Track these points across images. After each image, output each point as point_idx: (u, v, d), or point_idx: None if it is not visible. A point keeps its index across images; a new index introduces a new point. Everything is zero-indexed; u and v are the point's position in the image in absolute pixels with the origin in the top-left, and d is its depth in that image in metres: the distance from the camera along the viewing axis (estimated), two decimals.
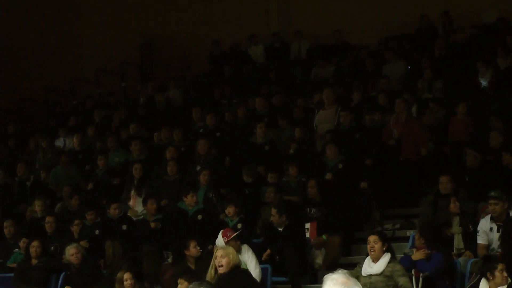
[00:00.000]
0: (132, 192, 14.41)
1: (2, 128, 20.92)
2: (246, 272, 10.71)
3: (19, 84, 22.90)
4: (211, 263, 10.54)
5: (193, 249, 11.56)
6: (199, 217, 13.23)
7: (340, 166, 13.94)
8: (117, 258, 12.25)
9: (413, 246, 11.19)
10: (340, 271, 5.50)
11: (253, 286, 10.61)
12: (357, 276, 10.24)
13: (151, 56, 23.73)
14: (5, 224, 14.07)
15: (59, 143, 18.69)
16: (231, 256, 10.39)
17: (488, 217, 10.94)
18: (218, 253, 10.45)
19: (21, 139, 19.39)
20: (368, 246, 10.33)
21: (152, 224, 13.37)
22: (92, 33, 24.23)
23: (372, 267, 10.26)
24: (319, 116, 15.69)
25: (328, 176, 13.78)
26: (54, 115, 21.54)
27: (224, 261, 10.32)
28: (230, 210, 12.79)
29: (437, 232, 11.04)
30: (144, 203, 13.77)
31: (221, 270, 10.33)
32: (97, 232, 13.50)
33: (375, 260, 10.26)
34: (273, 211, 12.32)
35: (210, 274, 10.48)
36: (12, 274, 13.05)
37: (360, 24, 20.45)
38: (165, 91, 20.25)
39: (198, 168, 14.57)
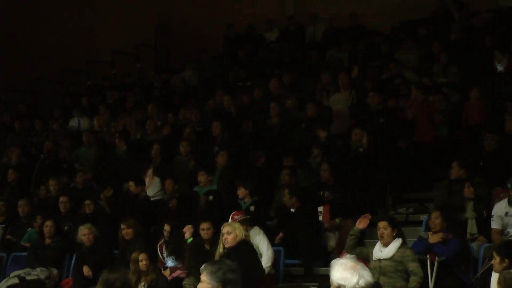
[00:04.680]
0: (150, 172, 14.42)
1: (16, 108, 20.94)
2: (250, 246, 10.66)
3: (35, 65, 22.92)
4: (219, 241, 10.56)
5: (201, 232, 11.49)
6: (210, 197, 13.23)
7: (361, 149, 13.86)
8: (135, 237, 12.13)
9: (427, 230, 11.15)
10: (348, 255, 5.60)
11: (252, 258, 10.45)
12: (367, 256, 10.26)
13: (166, 38, 23.72)
14: (19, 203, 14.13)
15: (73, 123, 18.75)
16: (237, 231, 10.39)
17: (504, 201, 10.87)
18: (224, 229, 10.48)
19: (35, 119, 19.40)
20: (378, 232, 10.30)
21: (174, 202, 13.36)
22: (107, 15, 24.25)
23: (382, 251, 10.23)
24: (333, 98, 15.66)
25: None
26: (68, 96, 21.58)
27: (230, 237, 10.35)
28: (239, 192, 12.77)
29: (451, 217, 10.99)
30: (163, 183, 13.79)
31: (227, 245, 10.37)
32: None
33: (385, 245, 10.24)
34: (285, 191, 12.34)
35: (218, 252, 10.50)
36: (26, 253, 13.12)
37: (376, 7, 20.35)
38: (181, 72, 20.25)
39: (216, 149, 14.58)
